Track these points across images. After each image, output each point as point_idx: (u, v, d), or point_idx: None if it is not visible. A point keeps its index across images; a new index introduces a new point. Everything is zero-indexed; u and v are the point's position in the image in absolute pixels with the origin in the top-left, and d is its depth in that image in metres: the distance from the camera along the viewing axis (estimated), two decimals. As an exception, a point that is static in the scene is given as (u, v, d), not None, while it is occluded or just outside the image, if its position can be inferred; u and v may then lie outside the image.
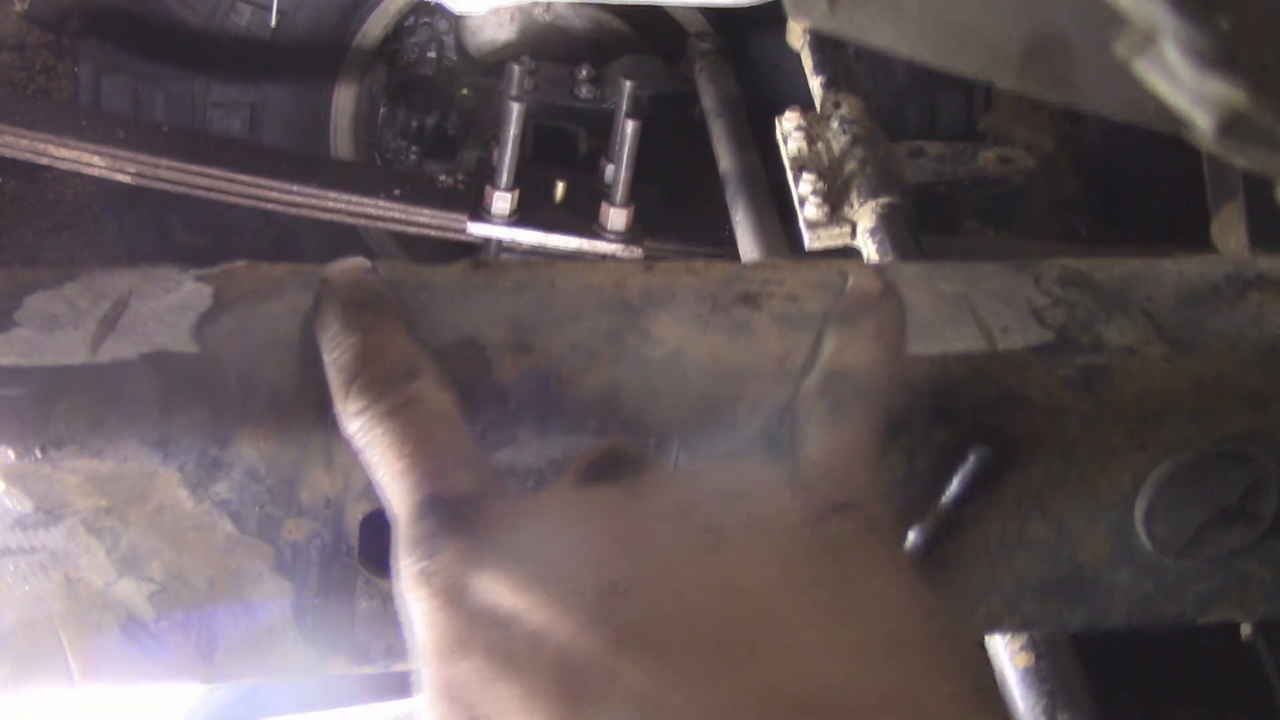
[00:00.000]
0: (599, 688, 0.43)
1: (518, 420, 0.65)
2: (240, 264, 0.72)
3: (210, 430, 0.64)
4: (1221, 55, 0.25)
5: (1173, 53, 0.26)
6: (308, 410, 0.64)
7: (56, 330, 0.67)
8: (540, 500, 0.54)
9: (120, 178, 1.85)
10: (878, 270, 0.74)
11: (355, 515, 0.67)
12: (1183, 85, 0.27)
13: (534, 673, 0.45)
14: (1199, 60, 0.26)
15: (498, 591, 0.48)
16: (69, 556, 0.67)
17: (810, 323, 0.68)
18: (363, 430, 0.58)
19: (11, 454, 0.64)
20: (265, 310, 0.68)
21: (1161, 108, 0.34)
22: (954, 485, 0.67)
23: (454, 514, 0.53)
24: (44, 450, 0.64)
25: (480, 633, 0.47)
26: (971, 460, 0.66)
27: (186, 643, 0.71)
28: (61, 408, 0.64)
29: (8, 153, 1.82)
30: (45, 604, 0.69)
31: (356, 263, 0.66)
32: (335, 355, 0.61)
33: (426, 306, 0.69)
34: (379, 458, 0.57)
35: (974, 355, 0.67)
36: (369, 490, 0.66)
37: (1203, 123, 0.28)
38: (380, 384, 0.59)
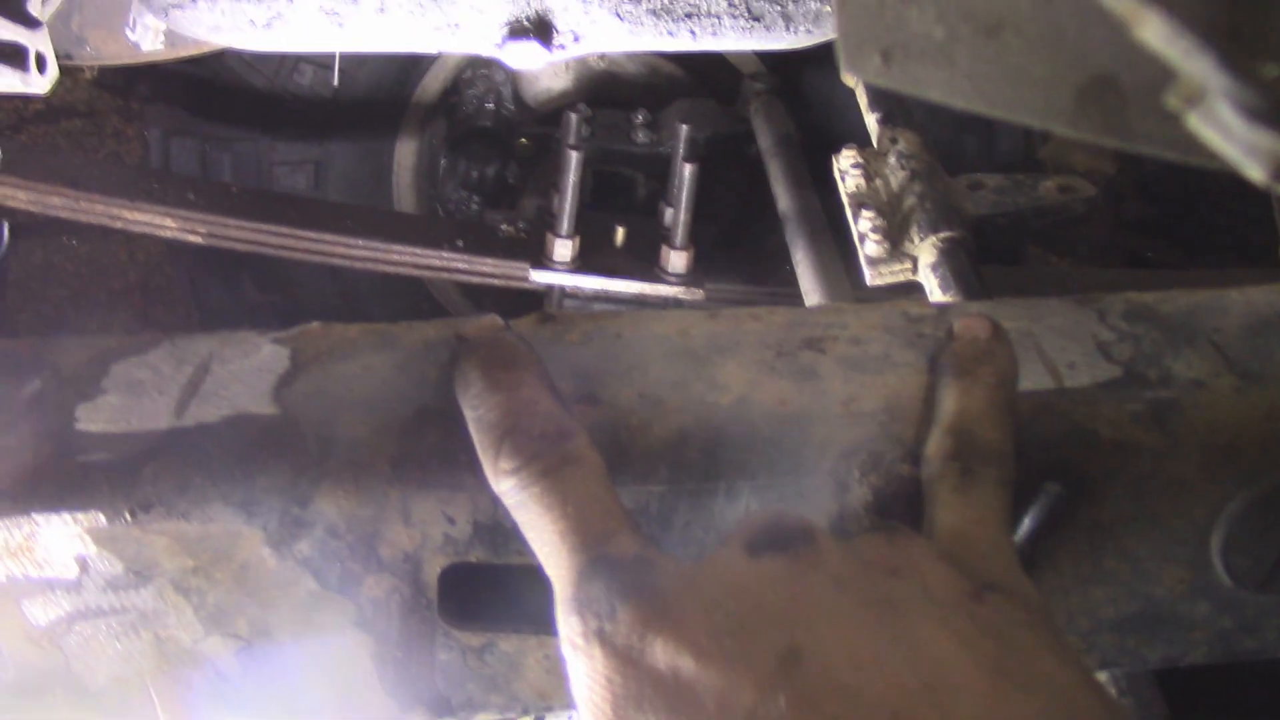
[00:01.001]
0: None
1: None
2: (315, 325, 0.74)
3: (291, 490, 0.66)
4: (1270, 109, 0.25)
5: (1222, 107, 0.27)
6: (384, 467, 0.66)
7: (142, 396, 0.69)
8: (710, 566, 0.54)
9: (192, 239, 1.90)
10: (939, 307, 0.75)
11: (434, 569, 0.68)
12: (1234, 137, 0.27)
13: None
14: (1247, 114, 0.26)
15: (677, 654, 0.49)
16: (158, 615, 0.69)
17: (875, 365, 0.69)
18: (515, 489, 0.59)
19: (102, 518, 0.66)
20: (341, 370, 0.70)
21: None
22: (1026, 523, 0.67)
23: (627, 575, 0.53)
24: (133, 513, 0.66)
25: (662, 694, 0.48)
26: (1042, 498, 0.66)
27: (271, 696, 0.72)
28: (149, 471, 0.66)
29: (85, 218, 1.87)
30: (136, 661, 0.71)
31: (491, 320, 0.68)
32: (481, 413, 0.62)
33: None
34: (536, 517, 0.58)
35: (1042, 393, 0.67)
36: (446, 544, 0.67)
37: (1256, 173, 0.29)
38: (534, 443, 0.59)
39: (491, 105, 2.36)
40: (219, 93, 2.24)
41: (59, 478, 0.66)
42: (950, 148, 2.22)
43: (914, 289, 1.54)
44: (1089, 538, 0.68)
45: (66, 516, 0.66)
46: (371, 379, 0.69)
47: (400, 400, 0.68)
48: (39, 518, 0.66)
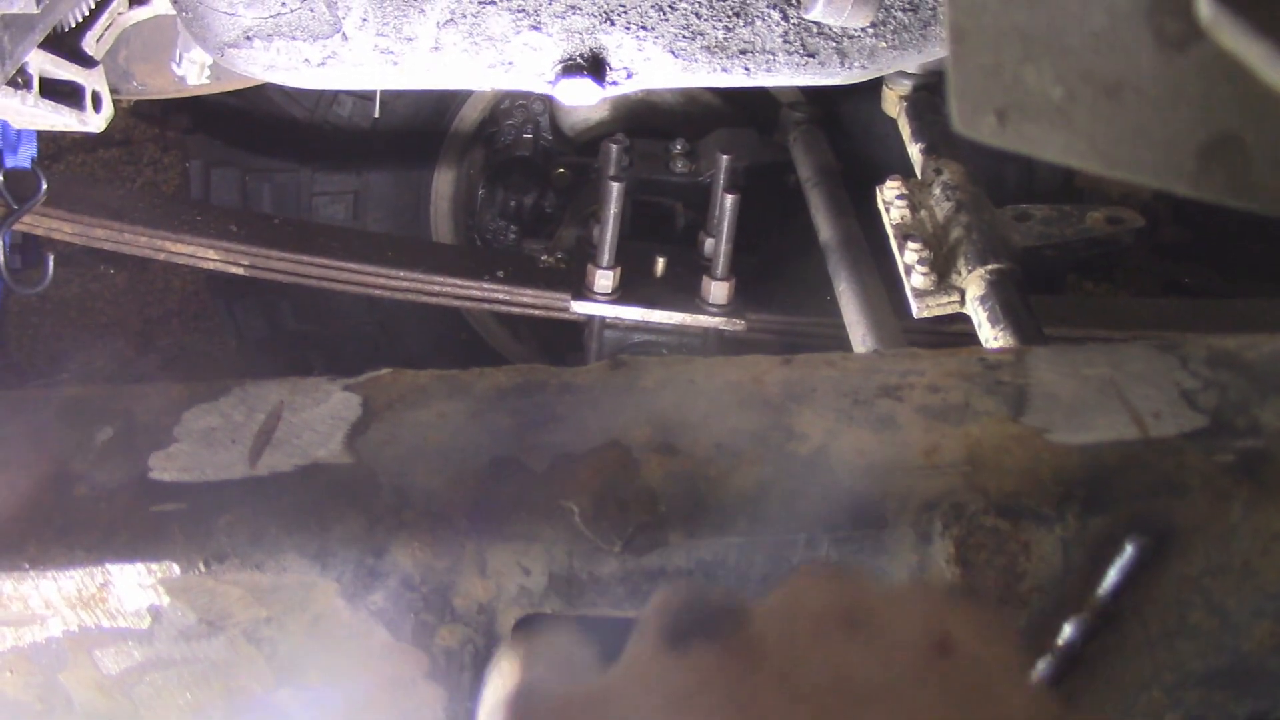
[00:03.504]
0: None
1: (667, 523, 0.65)
2: (386, 372, 0.73)
3: (366, 540, 0.65)
4: None
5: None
6: (461, 518, 0.65)
7: (215, 445, 0.69)
8: (627, 670, 0.46)
9: (235, 270, 1.90)
10: (1015, 353, 0.74)
11: (508, 620, 0.67)
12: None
13: None
14: None
15: None
16: (229, 666, 0.69)
17: (955, 414, 0.68)
18: None
19: (176, 568, 0.65)
20: (414, 419, 0.69)
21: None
22: (1111, 576, 0.65)
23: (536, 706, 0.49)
24: (207, 564, 0.65)
25: None
26: (1129, 550, 0.65)
27: (342, 748, 0.71)
28: (223, 522, 0.66)
29: (128, 250, 1.88)
30: (206, 713, 0.70)
31: None
32: None
33: (571, 409, 0.70)
34: None
35: (1127, 443, 0.66)
36: (521, 595, 0.66)
37: None
38: None
39: (529, 135, 2.36)
40: (259, 124, 2.25)
41: (133, 528, 0.66)
42: (991, 175, 2.21)
43: (962, 321, 1.53)
44: (1176, 591, 0.67)
45: (140, 567, 0.66)
46: (445, 427, 0.69)
47: (475, 449, 0.68)
48: (113, 568, 0.66)
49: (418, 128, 2.28)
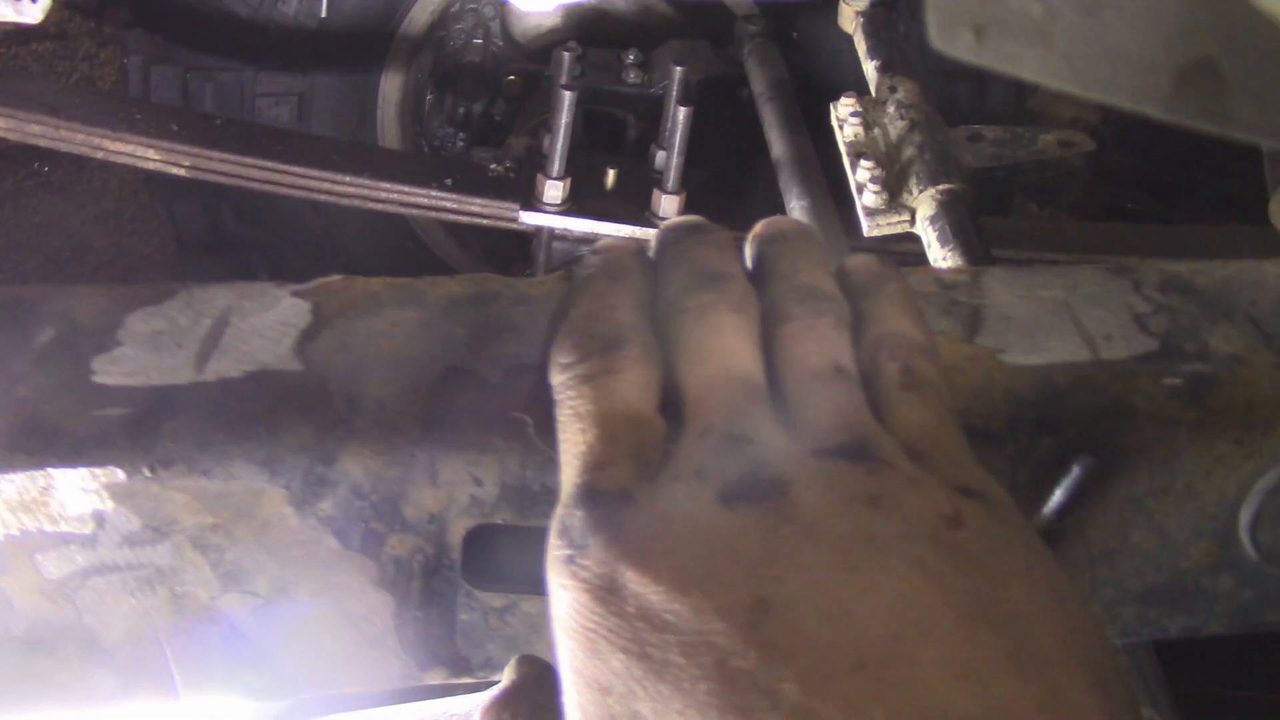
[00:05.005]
0: (759, 704, 0.44)
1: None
2: (336, 279, 0.72)
3: (316, 448, 0.65)
4: None
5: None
6: (413, 427, 0.65)
7: (160, 349, 0.67)
8: (684, 510, 0.52)
9: (175, 171, 1.86)
10: (971, 273, 0.74)
11: (458, 530, 0.67)
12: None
13: (690, 680, 0.45)
14: None
15: (645, 597, 0.48)
16: (175, 572, 0.68)
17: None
18: (559, 388, 0.58)
19: (121, 473, 0.64)
20: (365, 326, 0.68)
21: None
22: (1057, 495, 0.66)
23: (604, 509, 0.53)
24: (152, 469, 0.64)
25: (631, 631, 0.48)
26: (1076, 471, 0.66)
27: (288, 655, 0.71)
28: (169, 427, 0.65)
29: (64, 147, 1.83)
30: (151, 618, 0.70)
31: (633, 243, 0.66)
32: (566, 309, 0.61)
33: (525, 320, 0.69)
34: (563, 424, 0.58)
35: (1078, 365, 0.66)
36: (472, 506, 0.66)
37: None
38: (589, 343, 0.59)
39: (479, 41, 2.32)
40: (202, 20, 2.18)
41: (76, 431, 0.64)
42: (943, 95, 2.20)
43: (912, 240, 1.53)
44: (1119, 511, 0.68)
45: (84, 471, 0.64)
46: (397, 336, 0.68)
47: (428, 359, 0.67)
48: (55, 472, 0.64)
49: (365, 29, 2.23)
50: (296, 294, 0.71)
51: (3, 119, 1.77)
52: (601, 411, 0.56)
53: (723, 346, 0.58)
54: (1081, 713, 0.44)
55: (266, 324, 0.69)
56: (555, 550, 0.53)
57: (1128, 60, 0.38)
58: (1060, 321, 0.69)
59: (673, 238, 0.65)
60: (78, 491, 0.65)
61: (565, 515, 0.54)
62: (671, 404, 0.58)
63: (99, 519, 0.66)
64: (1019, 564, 0.50)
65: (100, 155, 1.85)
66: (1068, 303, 0.70)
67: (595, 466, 0.55)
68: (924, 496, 0.51)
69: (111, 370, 0.66)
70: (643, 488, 0.54)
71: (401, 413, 0.65)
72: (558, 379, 0.59)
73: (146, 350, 0.67)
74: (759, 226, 0.67)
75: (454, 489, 0.66)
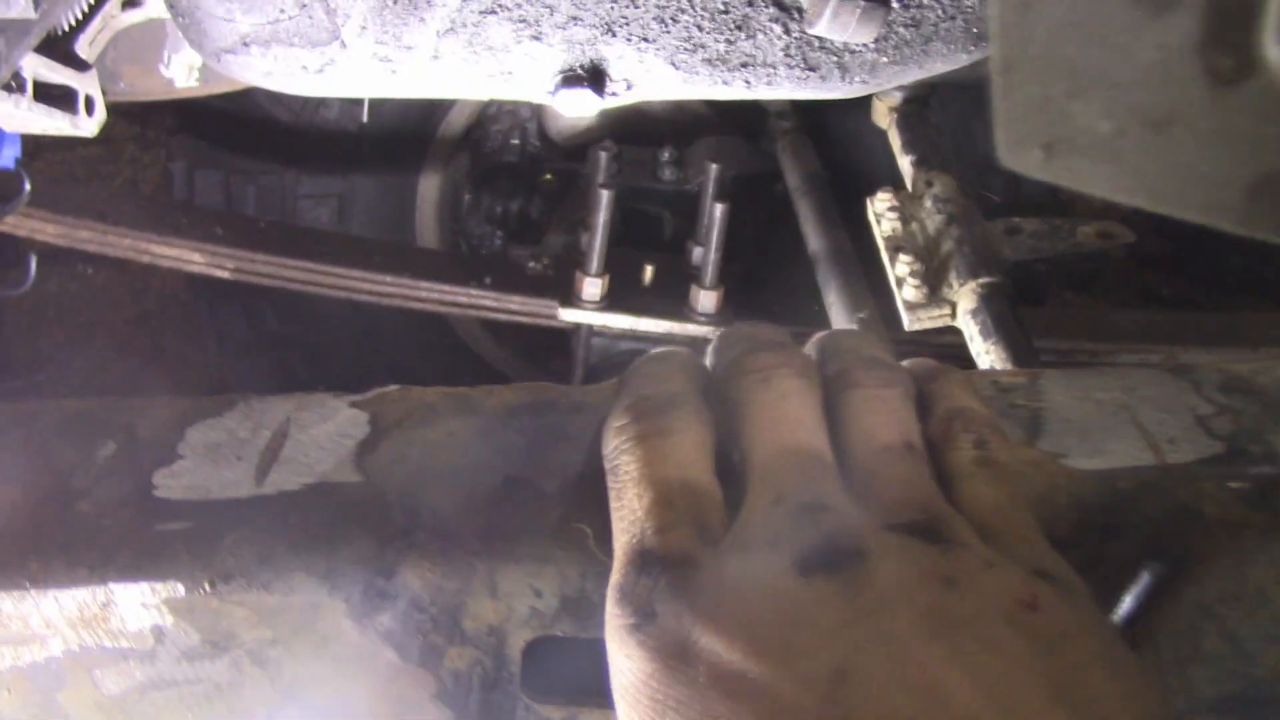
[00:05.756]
0: None
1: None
2: (393, 389, 0.72)
3: (376, 561, 0.64)
4: None
5: None
6: (472, 539, 0.64)
7: (220, 462, 0.68)
8: (757, 578, 0.51)
9: (219, 274, 1.89)
10: (1029, 375, 0.73)
11: (518, 642, 0.66)
12: None
13: None
14: None
15: (722, 661, 0.47)
16: (233, 687, 0.67)
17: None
18: (612, 453, 0.58)
19: (181, 588, 0.64)
20: (423, 437, 0.68)
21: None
22: (1126, 602, 0.65)
23: (671, 574, 0.52)
24: (212, 584, 0.64)
25: (702, 701, 0.47)
26: (1145, 577, 0.65)
27: (347, 770, 0.70)
28: (229, 541, 0.65)
29: (112, 252, 1.86)
30: (207, 733, 0.69)
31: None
32: (619, 390, 0.62)
33: (582, 429, 0.69)
34: (616, 491, 0.57)
35: (1143, 469, 0.66)
36: (532, 617, 0.66)
37: None
38: (640, 405, 0.58)
39: (516, 141, 2.35)
40: (244, 125, 2.23)
41: (137, 546, 0.65)
42: (977, 186, 2.22)
43: (953, 334, 1.53)
44: (1190, 618, 0.66)
45: (144, 586, 0.64)
46: (454, 446, 0.68)
47: (486, 469, 0.67)
48: (115, 587, 0.64)
49: (404, 132, 2.27)
50: (354, 404, 0.71)
51: (53, 225, 1.81)
52: (657, 475, 0.56)
53: (789, 413, 0.57)
54: None
55: (325, 435, 0.69)
56: (617, 620, 0.52)
57: (1198, 175, 0.38)
58: (1121, 424, 0.68)
59: (728, 333, 0.65)
60: (137, 606, 0.65)
61: (625, 583, 0.53)
62: (729, 471, 0.58)
63: (158, 634, 0.65)
64: (1096, 648, 0.49)
65: (147, 259, 1.88)
66: (1127, 404, 0.69)
67: (656, 531, 0.54)
68: (999, 578, 0.50)
69: (172, 484, 0.67)
70: (707, 553, 0.53)
71: (460, 524, 0.65)
72: (610, 445, 0.58)
73: (207, 463, 0.68)
74: (817, 335, 0.67)
75: (513, 600, 0.65)
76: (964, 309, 1.53)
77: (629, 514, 0.56)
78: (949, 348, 1.65)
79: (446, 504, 0.66)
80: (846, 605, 0.49)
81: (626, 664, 0.50)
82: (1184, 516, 0.65)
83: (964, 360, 1.43)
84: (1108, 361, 1.77)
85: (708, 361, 0.65)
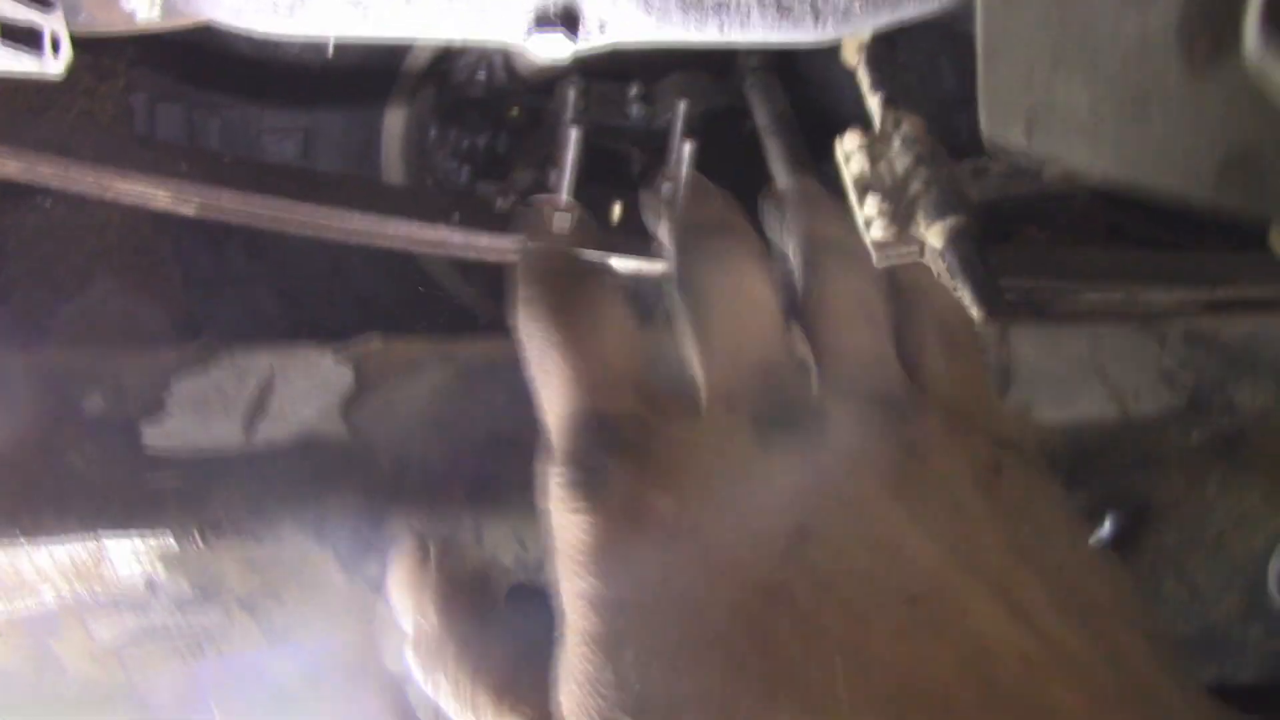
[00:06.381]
0: (796, 633, 0.41)
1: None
2: (375, 342, 0.73)
3: (363, 512, 0.66)
4: None
5: None
6: (458, 489, 0.66)
7: (208, 415, 0.69)
8: (711, 435, 0.48)
9: (184, 211, 1.87)
10: (999, 328, 0.75)
11: (502, 588, 0.68)
12: None
13: (722, 606, 0.42)
14: None
15: (674, 521, 0.45)
16: (223, 632, 0.69)
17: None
18: (522, 321, 0.53)
19: (171, 539, 0.65)
20: (407, 391, 0.70)
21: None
22: (1090, 549, 0.68)
23: (621, 433, 0.48)
24: (202, 534, 0.66)
25: (656, 557, 0.44)
26: (1107, 525, 0.67)
27: (336, 713, 0.72)
28: (219, 493, 0.66)
29: (75, 187, 1.84)
30: (197, 675, 0.71)
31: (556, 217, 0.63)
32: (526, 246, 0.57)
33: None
34: (534, 353, 0.52)
35: (1108, 421, 0.68)
36: (517, 567, 0.67)
37: None
38: (547, 262, 0.54)
39: (483, 74, 2.33)
40: (206, 58, 2.19)
41: (128, 499, 0.66)
42: (942, 125, 2.22)
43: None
44: (1151, 563, 0.69)
45: (135, 538, 0.65)
46: (438, 400, 0.69)
47: (470, 423, 0.68)
48: (107, 539, 0.66)
49: (369, 65, 2.24)
50: (339, 360, 0.72)
51: (15, 161, 1.78)
52: (579, 332, 0.51)
53: (745, 284, 0.54)
54: (1136, 659, 0.43)
55: (310, 388, 0.70)
56: (563, 479, 0.47)
57: (1173, 153, 0.39)
58: (1088, 378, 0.70)
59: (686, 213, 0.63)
60: (129, 558, 0.66)
61: (571, 446, 0.48)
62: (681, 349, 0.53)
63: (150, 584, 0.67)
64: (1059, 516, 0.48)
65: (110, 196, 1.86)
66: (1094, 358, 0.71)
67: (594, 390, 0.50)
68: (962, 445, 0.49)
69: (160, 436, 0.68)
70: (657, 417, 0.49)
71: (446, 476, 0.66)
72: (521, 312, 0.53)
73: (193, 416, 0.69)
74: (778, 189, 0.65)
75: (499, 550, 0.67)
76: (931, 248, 1.54)
77: (558, 380, 0.51)
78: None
79: (433, 456, 0.67)
80: (806, 465, 0.47)
81: (573, 526, 0.46)
82: (1146, 466, 0.67)
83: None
84: (1071, 299, 1.80)
85: (664, 235, 0.62)
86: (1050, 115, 0.40)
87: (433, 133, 2.38)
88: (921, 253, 1.62)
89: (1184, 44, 0.37)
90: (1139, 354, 0.71)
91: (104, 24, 1.70)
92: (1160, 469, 0.67)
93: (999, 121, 0.43)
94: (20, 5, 1.05)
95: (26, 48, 1.10)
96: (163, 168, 1.90)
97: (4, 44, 1.06)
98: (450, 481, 0.66)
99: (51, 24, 1.11)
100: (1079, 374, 0.70)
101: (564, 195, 1.91)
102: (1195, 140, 0.39)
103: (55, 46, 1.14)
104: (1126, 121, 0.40)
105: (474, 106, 2.35)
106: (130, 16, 1.66)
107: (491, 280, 2.42)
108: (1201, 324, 0.73)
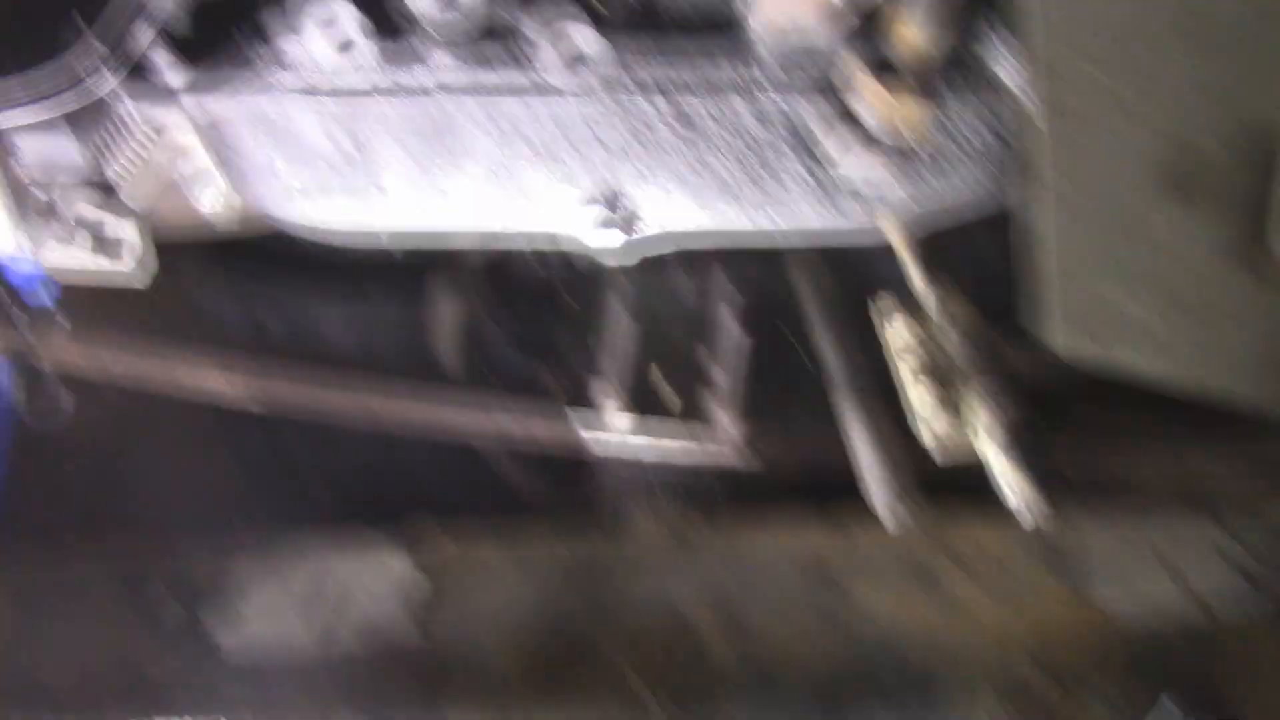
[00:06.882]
0: None
1: (733, 702, 0.66)
2: (448, 545, 0.74)
3: (434, 717, 0.66)
4: None
5: None
6: (530, 699, 0.66)
7: (283, 622, 0.69)
8: None
9: (246, 401, 1.91)
10: (1062, 518, 0.75)
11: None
12: None
13: None
14: None
15: None
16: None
17: (1011, 586, 0.69)
18: None
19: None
20: (482, 598, 0.70)
21: None
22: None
23: None
24: None
25: None
26: (1160, 709, 0.66)
27: None
28: (290, 698, 0.66)
29: (140, 378, 1.89)
30: None
31: None
32: None
33: (634, 583, 0.70)
34: None
35: (1166, 602, 0.67)
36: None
37: None
38: None
39: (536, 262, 2.38)
40: (267, 247, 2.26)
41: (208, 709, 0.66)
42: (989, 303, 2.23)
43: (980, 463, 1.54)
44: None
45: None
46: (514, 609, 0.70)
47: (540, 626, 0.68)
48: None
49: (425, 255, 2.30)
50: (410, 560, 0.73)
51: (84, 353, 1.84)
52: None
53: None
54: None
55: (384, 593, 0.71)
56: None
57: (1238, 361, 0.40)
58: (1145, 557, 0.70)
59: None
60: (202, 770, 0.66)
61: None
62: None
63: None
64: None
65: (175, 387, 1.91)
66: (1151, 538, 0.71)
67: None
68: None
69: (236, 644, 0.68)
70: None
71: (521, 684, 0.66)
72: None
73: (269, 624, 0.69)
74: None
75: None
76: (986, 436, 1.54)
77: None
78: (976, 471, 1.66)
79: (507, 664, 0.67)
80: None
81: None
82: (1207, 647, 0.66)
83: (990, 488, 1.44)
84: (1127, 479, 1.78)
85: None
86: (1117, 324, 0.41)
87: (487, 320, 2.43)
88: (977, 441, 1.61)
89: (1243, 257, 0.38)
90: (1198, 536, 0.71)
91: (177, 223, 1.78)
92: (1221, 650, 0.66)
93: (1068, 332, 0.44)
94: (101, 210, 1.11)
95: (108, 253, 1.15)
96: (226, 359, 1.96)
97: (85, 246, 1.11)
98: (524, 689, 0.66)
99: (129, 227, 1.16)
100: (1143, 561, 0.70)
101: (616, 380, 1.94)
102: (1260, 348, 0.40)
103: (134, 250, 1.19)
104: (1195, 330, 0.41)
105: (527, 293, 2.40)
106: (204, 220, 1.73)
107: (546, 460, 2.43)
108: (1255, 501, 0.73)
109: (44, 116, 1.03)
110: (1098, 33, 0.46)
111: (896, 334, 1.73)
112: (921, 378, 1.62)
